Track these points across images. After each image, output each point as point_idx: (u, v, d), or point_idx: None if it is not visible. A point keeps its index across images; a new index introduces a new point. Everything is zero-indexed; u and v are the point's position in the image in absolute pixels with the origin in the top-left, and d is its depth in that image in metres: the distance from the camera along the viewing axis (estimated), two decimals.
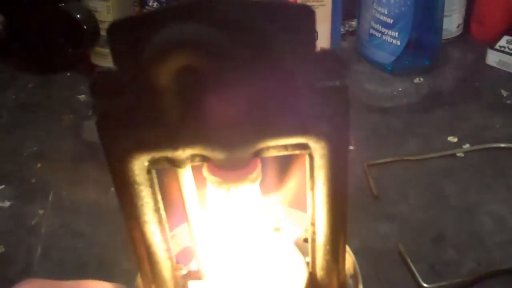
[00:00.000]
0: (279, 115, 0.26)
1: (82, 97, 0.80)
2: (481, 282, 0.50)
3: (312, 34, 0.25)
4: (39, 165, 0.69)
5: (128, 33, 0.25)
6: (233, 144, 0.27)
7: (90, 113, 0.76)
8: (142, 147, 0.27)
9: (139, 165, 0.28)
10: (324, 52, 0.25)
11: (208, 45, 0.23)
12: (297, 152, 0.28)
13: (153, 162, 0.28)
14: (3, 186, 0.65)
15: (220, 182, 0.28)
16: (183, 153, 0.27)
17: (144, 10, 0.81)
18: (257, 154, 0.28)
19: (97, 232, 0.59)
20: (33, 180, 0.66)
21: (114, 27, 0.25)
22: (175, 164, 0.28)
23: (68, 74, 0.85)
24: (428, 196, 0.61)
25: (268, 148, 0.28)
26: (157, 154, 0.28)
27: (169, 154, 0.27)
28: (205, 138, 0.27)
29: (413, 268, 0.51)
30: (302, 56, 0.25)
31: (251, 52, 0.25)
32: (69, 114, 0.77)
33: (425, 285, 0.49)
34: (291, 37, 0.25)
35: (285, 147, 0.28)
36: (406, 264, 0.52)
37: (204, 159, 0.28)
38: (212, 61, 0.24)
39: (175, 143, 0.27)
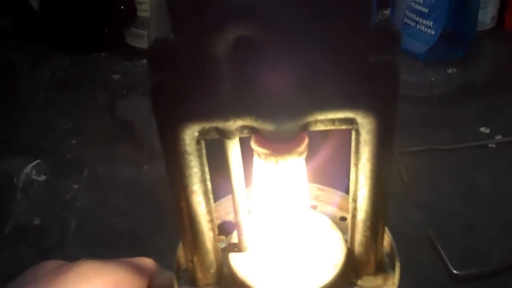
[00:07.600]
0: (329, 88, 0.27)
1: (116, 76, 0.81)
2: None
3: (368, 6, 0.25)
4: (74, 141, 0.70)
5: None
6: (283, 116, 0.27)
7: (124, 93, 0.77)
8: (194, 117, 0.28)
9: (190, 134, 0.28)
10: (378, 25, 0.25)
11: (265, 15, 0.24)
12: (343, 127, 0.29)
13: (203, 132, 0.29)
14: (39, 161, 0.67)
15: (268, 155, 0.29)
16: (233, 124, 0.28)
17: None
18: (305, 128, 0.29)
19: (130, 208, 0.60)
20: (68, 156, 0.68)
21: None
22: (225, 135, 0.29)
23: (103, 54, 0.86)
24: (459, 186, 0.61)
25: (316, 121, 0.28)
26: (208, 125, 0.28)
27: (219, 124, 0.28)
28: (256, 109, 0.27)
29: (444, 255, 0.51)
30: (355, 28, 0.25)
31: (305, 23, 0.25)
32: (103, 93, 0.79)
33: (455, 271, 0.50)
34: (347, 9, 0.25)
35: (333, 121, 0.28)
36: (437, 251, 0.52)
37: (253, 130, 0.28)
38: (267, 32, 0.24)
39: (227, 114, 0.27)
